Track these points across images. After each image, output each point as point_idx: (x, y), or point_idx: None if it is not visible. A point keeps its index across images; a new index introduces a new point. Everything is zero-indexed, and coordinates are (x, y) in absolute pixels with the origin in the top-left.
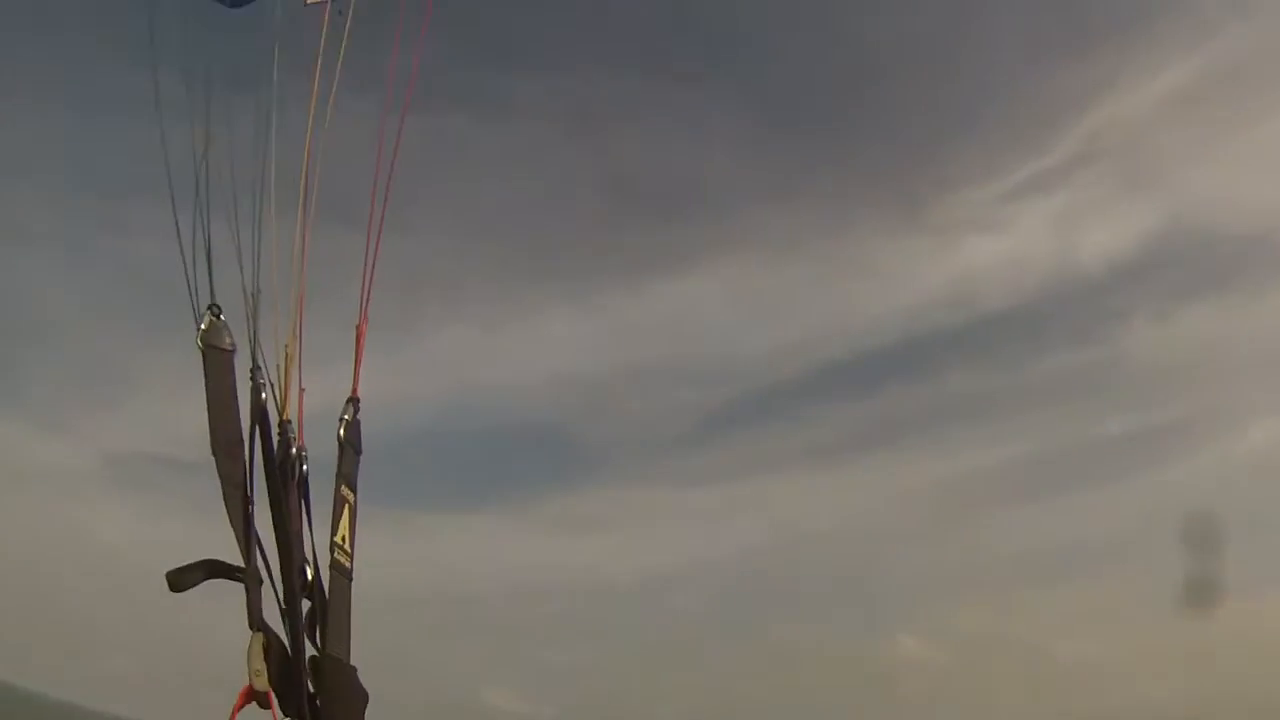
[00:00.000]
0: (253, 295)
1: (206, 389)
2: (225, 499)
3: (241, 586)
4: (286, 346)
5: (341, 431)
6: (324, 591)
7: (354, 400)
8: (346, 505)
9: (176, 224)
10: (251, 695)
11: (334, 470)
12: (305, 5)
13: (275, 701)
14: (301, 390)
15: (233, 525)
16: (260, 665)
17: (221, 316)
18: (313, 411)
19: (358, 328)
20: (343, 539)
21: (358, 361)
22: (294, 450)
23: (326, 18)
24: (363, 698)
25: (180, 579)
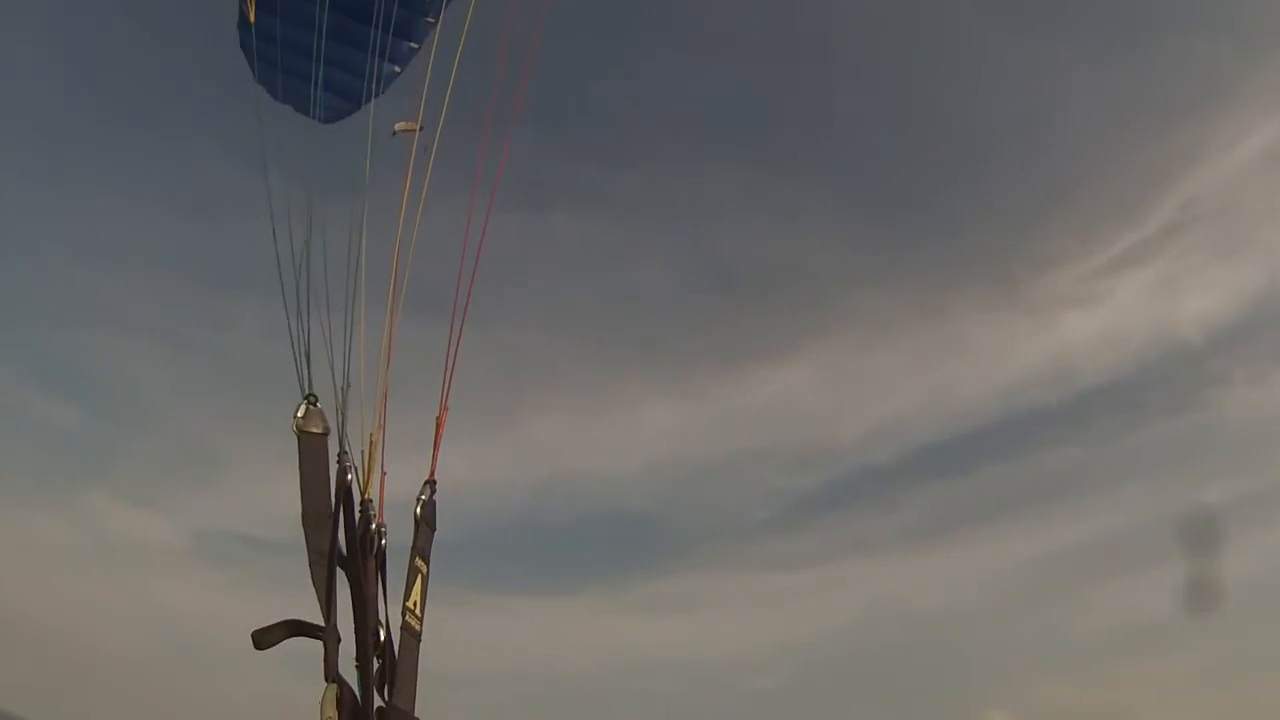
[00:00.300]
0: (341, 389)
1: (300, 469)
2: (310, 566)
3: (318, 646)
4: (371, 434)
5: (418, 510)
6: (394, 650)
7: (431, 482)
8: (420, 575)
9: (288, 322)
10: None
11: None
12: (393, 135)
13: None
14: (384, 473)
15: (316, 590)
16: (332, 712)
17: (317, 404)
18: (409, 492)
19: (437, 417)
20: (414, 604)
21: (436, 446)
22: (374, 526)
23: (414, 148)
24: None
25: (264, 637)
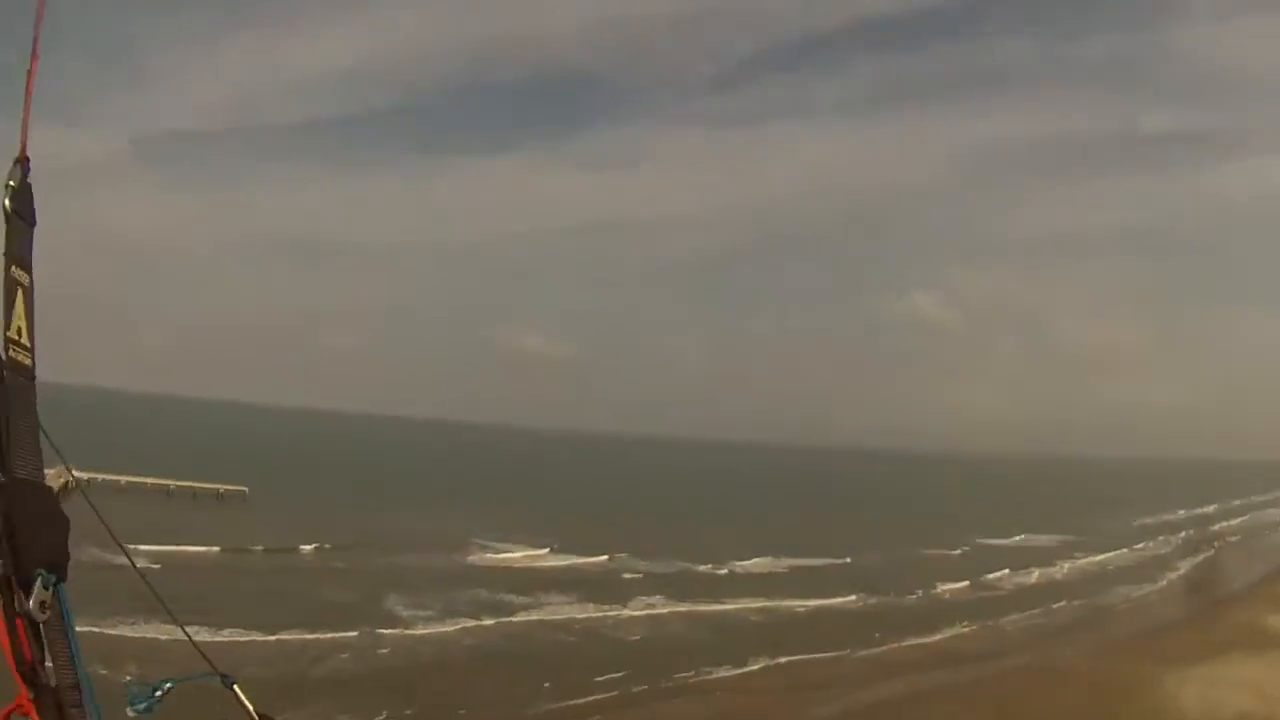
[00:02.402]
0: None
1: None
2: None
3: None
4: None
5: (8, 201)
6: (5, 400)
7: (22, 162)
8: (20, 289)
9: None
10: None
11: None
12: None
13: None
14: None
15: None
16: None
17: None
18: None
19: (28, 70)
20: (18, 331)
21: (26, 112)
22: None
23: None
24: (64, 524)
25: None
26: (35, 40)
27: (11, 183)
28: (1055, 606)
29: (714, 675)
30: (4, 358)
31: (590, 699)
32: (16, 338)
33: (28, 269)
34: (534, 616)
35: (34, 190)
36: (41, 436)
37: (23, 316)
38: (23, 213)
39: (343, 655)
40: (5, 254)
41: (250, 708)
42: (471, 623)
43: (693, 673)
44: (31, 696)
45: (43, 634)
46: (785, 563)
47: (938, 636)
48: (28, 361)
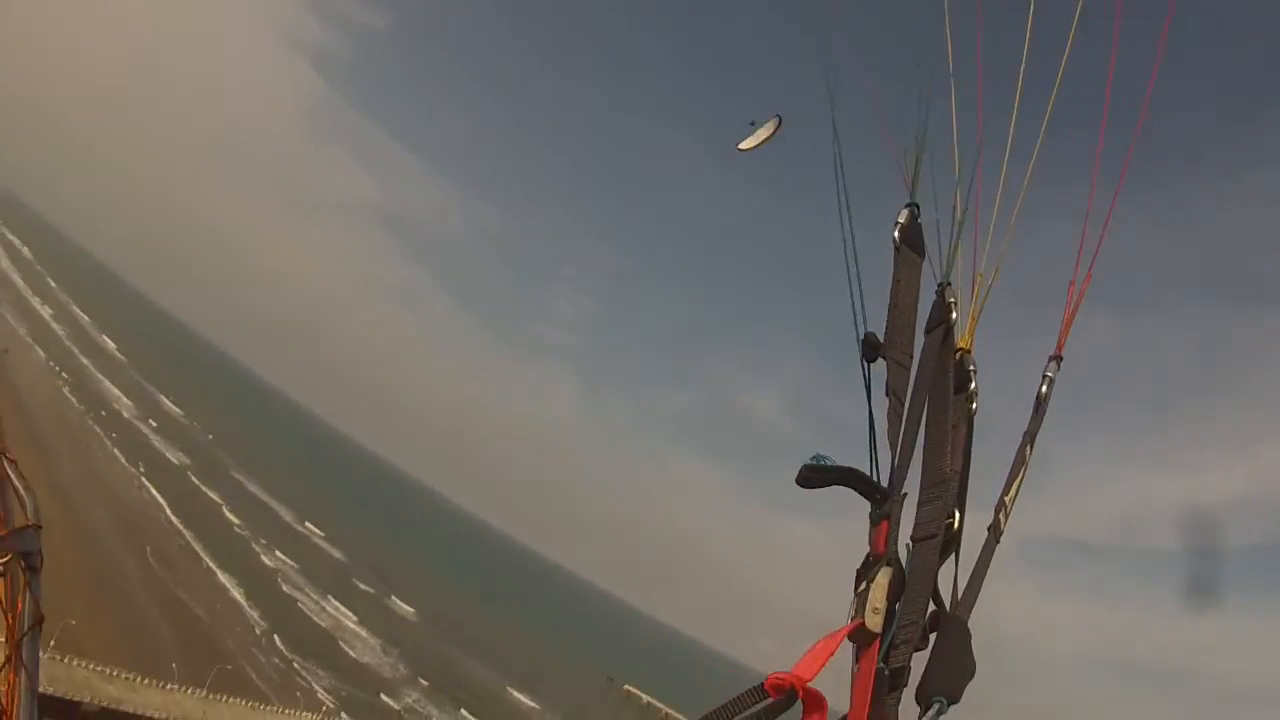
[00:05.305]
0: (961, 209)
1: (893, 285)
2: (889, 410)
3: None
4: (979, 274)
5: (1044, 388)
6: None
7: (1057, 358)
8: (1024, 466)
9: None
10: (858, 633)
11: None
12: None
13: (880, 648)
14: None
15: (889, 439)
16: (881, 604)
17: (919, 219)
18: None
19: (1071, 282)
20: (1010, 500)
21: (1069, 314)
22: (972, 385)
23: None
24: (971, 669)
25: (812, 476)
26: (1091, 263)
27: (1049, 374)
28: None
29: None
30: (993, 517)
31: None
32: (1007, 503)
33: (1032, 450)
34: None
35: None
36: None
37: (1016, 488)
38: (1045, 403)
39: None
40: (1026, 433)
41: None
42: None
43: None
44: None
45: None
46: None
47: None
48: (1003, 525)
